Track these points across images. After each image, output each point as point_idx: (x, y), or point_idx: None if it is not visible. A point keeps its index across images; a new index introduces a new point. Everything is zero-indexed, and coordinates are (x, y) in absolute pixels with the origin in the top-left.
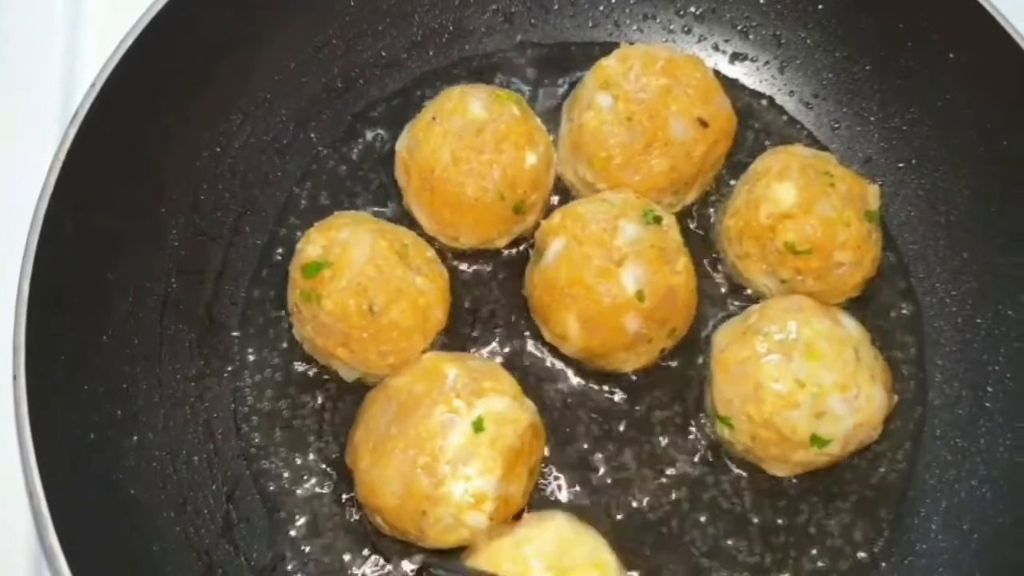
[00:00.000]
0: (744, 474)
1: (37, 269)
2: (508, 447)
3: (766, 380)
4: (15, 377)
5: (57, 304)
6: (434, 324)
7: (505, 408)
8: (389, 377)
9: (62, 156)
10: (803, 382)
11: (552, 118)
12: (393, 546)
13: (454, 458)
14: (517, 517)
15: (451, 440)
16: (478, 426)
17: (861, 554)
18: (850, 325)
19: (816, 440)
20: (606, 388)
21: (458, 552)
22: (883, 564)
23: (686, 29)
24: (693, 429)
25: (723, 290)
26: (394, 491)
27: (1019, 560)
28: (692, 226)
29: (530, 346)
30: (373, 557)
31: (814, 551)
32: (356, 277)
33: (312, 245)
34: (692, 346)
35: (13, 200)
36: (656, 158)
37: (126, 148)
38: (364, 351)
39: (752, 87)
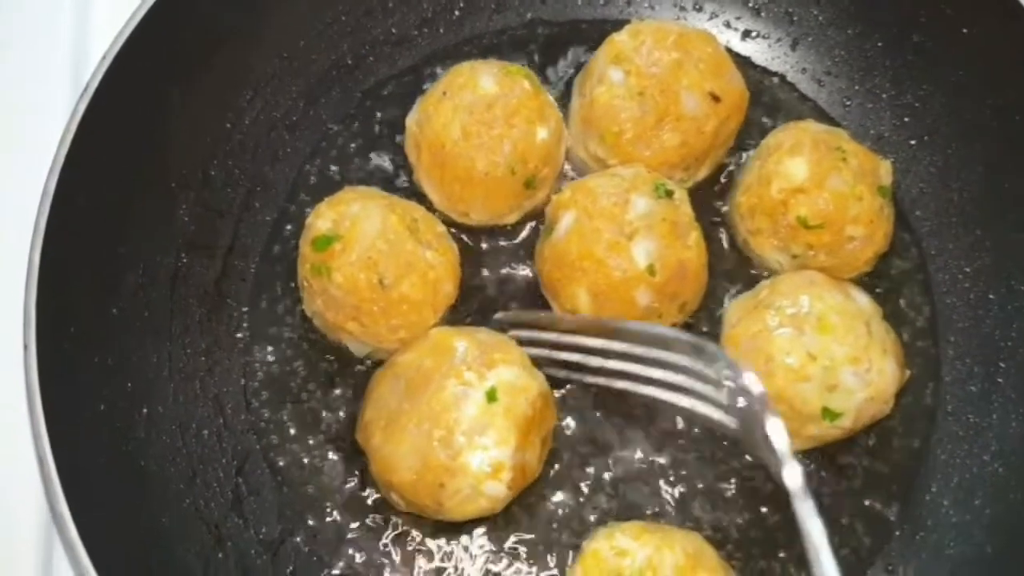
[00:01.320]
0: None
1: (48, 241)
2: (522, 416)
3: (777, 353)
4: (26, 347)
5: (67, 276)
6: (444, 298)
7: (516, 377)
8: (396, 354)
9: (72, 130)
10: (815, 355)
11: (562, 95)
12: (405, 520)
13: (469, 429)
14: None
15: (465, 412)
16: (491, 396)
17: (872, 529)
18: (862, 299)
19: (828, 413)
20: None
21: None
22: (894, 539)
23: (697, 6)
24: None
25: (734, 265)
26: (410, 466)
27: None
28: (703, 201)
29: None
30: (383, 531)
31: (827, 527)
32: (367, 251)
33: (322, 219)
34: (702, 321)
35: (24, 173)
36: (668, 133)
37: (136, 122)
38: (374, 325)
39: (763, 65)
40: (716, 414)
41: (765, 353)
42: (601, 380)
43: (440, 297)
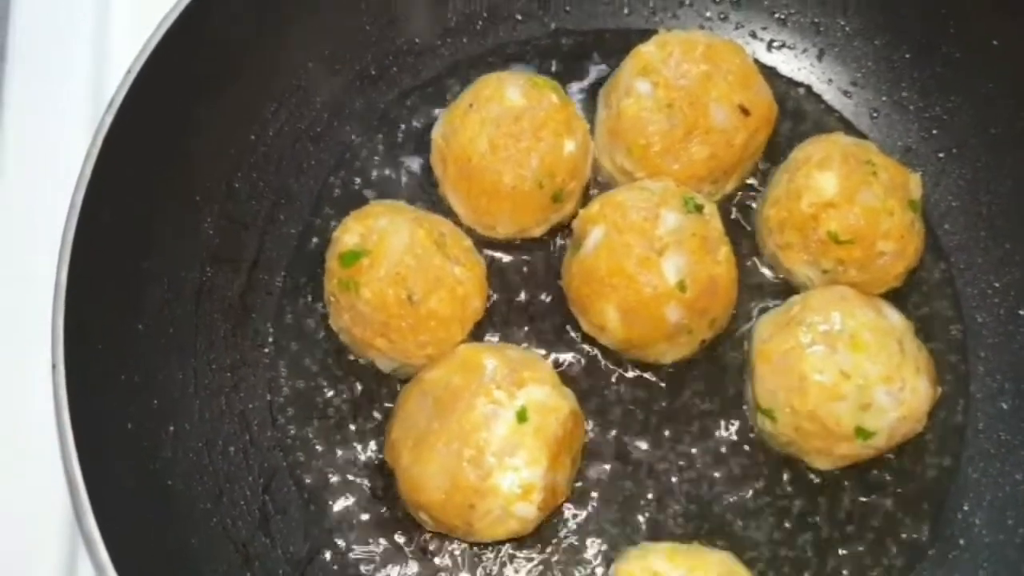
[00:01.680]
0: (785, 467)
1: (74, 258)
2: (552, 436)
3: (810, 371)
4: (54, 366)
5: (94, 293)
6: (472, 314)
7: (546, 397)
8: (423, 371)
9: (98, 144)
10: (848, 374)
11: (586, 107)
12: (432, 539)
13: (500, 450)
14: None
15: (496, 431)
16: (522, 416)
17: (903, 549)
18: (893, 316)
19: (861, 432)
20: (645, 379)
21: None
22: (926, 559)
23: (723, 16)
24: (734, 421)
25: (762, 280)
26: (439, 486)
27: None
28: (730, 216)
29: (568, 337)
30: (410, 550)
31: (856, 546)
32: (395, 266)
33: (349, 233)
34: (731, 337)
35: (50, 189)
36: (696, 146)
37: (161, 136)
38: (403, 341)
39: (789, 75)
40: None
41: (798, 371)
42: None
43: (468, 312)
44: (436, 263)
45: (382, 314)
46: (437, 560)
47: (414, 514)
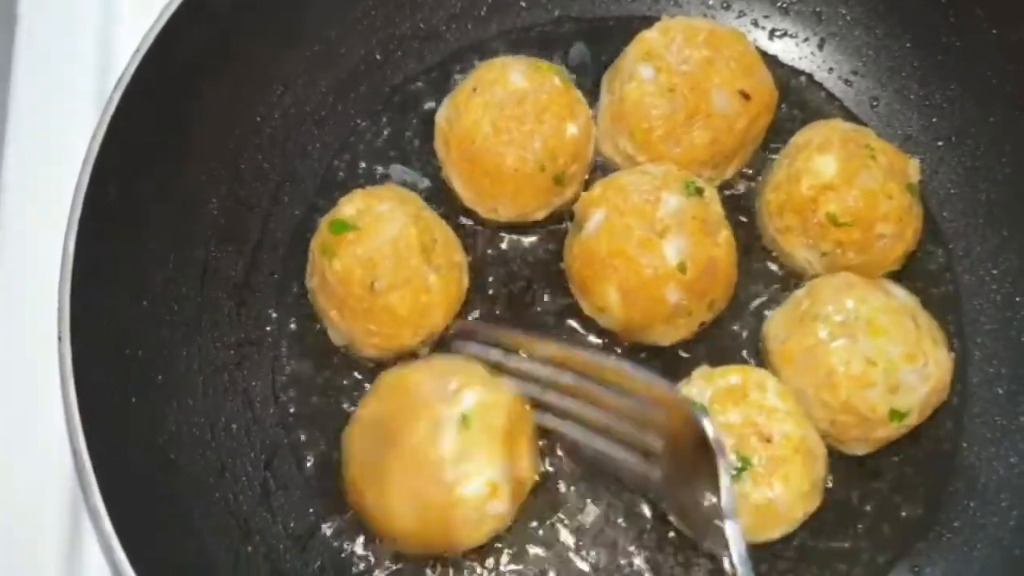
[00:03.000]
0: None
1: (81, 234)
2: (500, 430)
3: (837, 364)
4: (60, 338)
5: (100, 269)
6: (429, 325)
7: (482, 396)
8: (358, 409)
9: (105, 123)
10: (873, 360)
11: (589, 92)
12: None
13: (455, 460)
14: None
15: (445, 445)
16: (466, 423)
17: (898, 531)
18: (900, 294)
19: (895, 415)
20: (644, 360)
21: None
22: (921, 541)
23: (725, 4)
24: None
25: (761, 263)
26: (409, 513)
27: None
28: (730, 200)
29: (568, 319)
30: None
31: (854, 528)
32: (372, 251)
33: (350, 205)
34: (729, 320)
35: (57, 166)
36: (698, 130)
37: (167, 116)
38: (354, 321)
39: (790, 63)
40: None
41: (825, 367)
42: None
43: (425, 321)
44: (412, 263)
45: (342, 290)
46: None
47: (391, 546)
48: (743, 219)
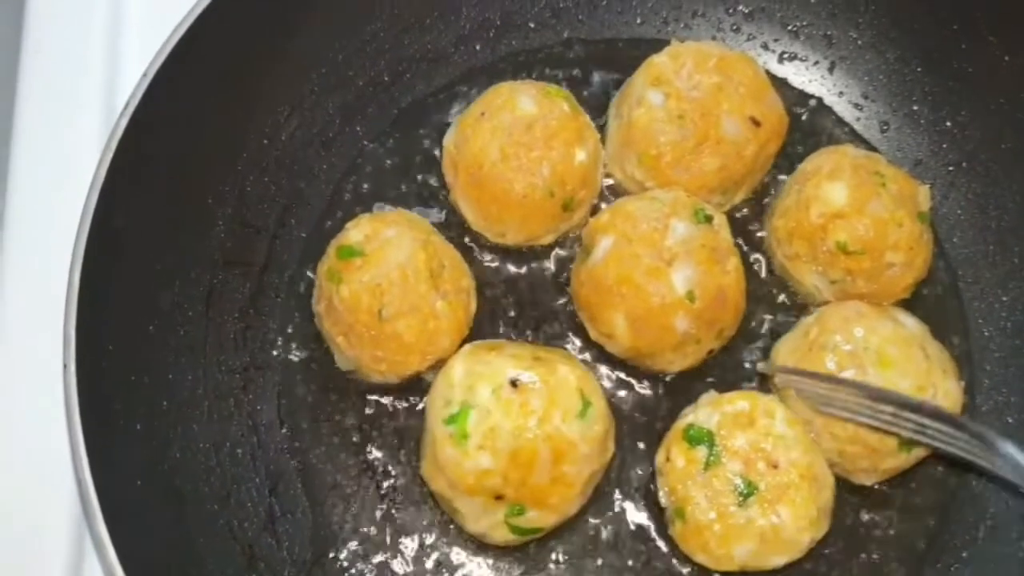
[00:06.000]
0: None
1: (87, 260)
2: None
3: None
4: (65, 366)
5: (106, 295)
6: (437, 351)
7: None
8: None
9: (112, 148)
10: None
11: (598, 116)
12: (447, 543)
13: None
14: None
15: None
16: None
17: (905, 562)
18: (909, 322)
19: (904, 446)
20: (650, 388)
21: None
22: (928, 570)
23: (735, 27)
24: None
25: (769, 291)
26: None
27: None
28: (739, 224)
29: (574, 345)
30: (415, 551)
31: (860, 556)
32: (379, 277)
33: (357, 230)
34: (737, 345)
35: (63, 192)
36: (707, 157)
37: (174, 140)
38: (361, 347)
39: (800, 87)
40: None
41: None
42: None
43: (432, 347)
44: (420, 290)
45: (350, 316)
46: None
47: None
48: (752, 244)
